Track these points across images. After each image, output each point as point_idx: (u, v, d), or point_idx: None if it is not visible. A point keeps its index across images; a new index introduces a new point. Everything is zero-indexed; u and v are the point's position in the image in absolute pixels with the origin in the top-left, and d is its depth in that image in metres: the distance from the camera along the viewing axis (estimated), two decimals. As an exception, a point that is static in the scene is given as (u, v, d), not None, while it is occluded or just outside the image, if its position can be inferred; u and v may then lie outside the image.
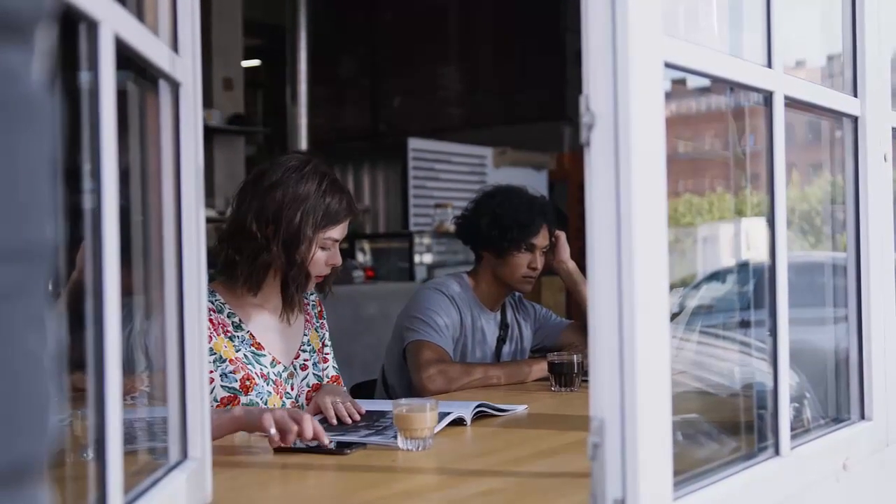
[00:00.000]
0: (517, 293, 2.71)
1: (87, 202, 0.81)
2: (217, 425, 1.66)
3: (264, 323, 2.01)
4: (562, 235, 2.67)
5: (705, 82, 1.33)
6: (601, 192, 0.96)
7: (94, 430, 0.82)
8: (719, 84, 1.36)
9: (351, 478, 1.47)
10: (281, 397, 1.98)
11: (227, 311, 1.97)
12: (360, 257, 6.42)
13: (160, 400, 1.15)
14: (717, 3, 1.56)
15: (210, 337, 1.90)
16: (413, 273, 6.22)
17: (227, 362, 1.91)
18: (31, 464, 0.46)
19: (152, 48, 1.00)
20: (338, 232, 1.98)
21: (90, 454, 0.88)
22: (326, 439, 1.59)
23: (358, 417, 1.81)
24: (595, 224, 0.96)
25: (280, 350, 2.02)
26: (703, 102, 1.62)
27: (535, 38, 7.96)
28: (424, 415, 1.58)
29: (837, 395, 1.60)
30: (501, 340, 2.67)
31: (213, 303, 1.95)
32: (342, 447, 1.60)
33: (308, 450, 1.60)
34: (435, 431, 1.63)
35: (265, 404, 1.93)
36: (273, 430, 1.55)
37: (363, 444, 1.62)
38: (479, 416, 1.89)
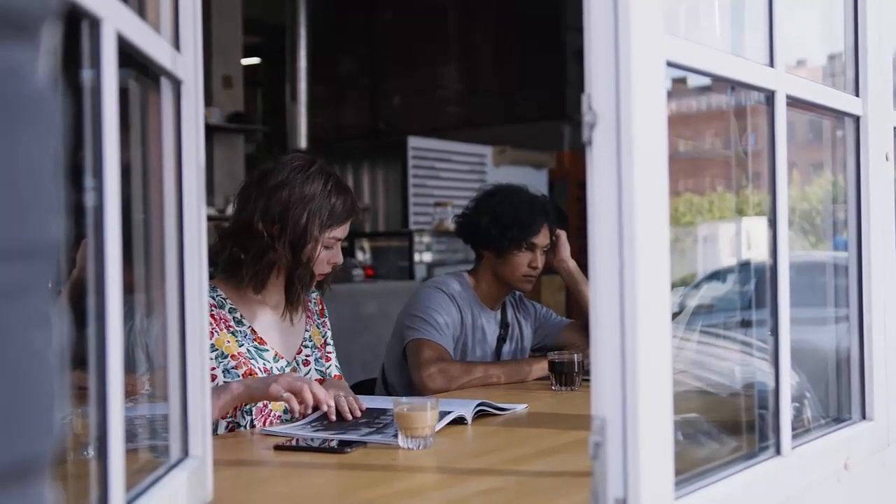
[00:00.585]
0: (517, 292, 2.71)
1: (89, 200, 0.81)
2: (220, 406, 1.69)
3: (266, 319, 2.02)
4: (562, 234, 2.67)
5: (706, 81, 1.33)
6: (603, 190, 0.96)
7: (95, 428, 0.82)
8: (720, 83, 1.36)
9: (351, 476, 1.47)
10: None
11: (228, 307, 1.97)
12: (360, 256, 6.42)
13: (161, 398, 1.15)
14: (718, 3, 1.56)
15: (212, 333, 1.90)
16: (413, 272, 6.22)
17: (230, 358, 1.92)
18: (36, 462, 0.45)
19: (154, 46, 1.00)
20: (341, 231, 2.00)
21: (90, 452, 0.88)
22: (329, 402, 1.73)
23: (359, 413, 1.82)
24: (597, 222, 0.96)
25: (282, 346, 2.03)
26: (704, 101, 1.62)
27: (535, 36, 7.96)
28: (425, 413, 1.58)
29: (838, 395, 1.60)
30: (502, 339, 2.67)
31: (214, 298, 1.95)
32: (343, 445, 1.60)
33: (309, 448, 1.60)
34: (435, 430, 1.63)
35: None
36: (286, 394, 1.68)
37: (364, 443, 1.62)
38: (480, 415, 1.89)
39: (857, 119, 1.55)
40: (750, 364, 1.56)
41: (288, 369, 2.02)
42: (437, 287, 2.56)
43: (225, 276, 2.01)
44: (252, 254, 1.93)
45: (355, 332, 4.76)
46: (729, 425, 1.45)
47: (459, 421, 1.81)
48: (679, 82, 1.23)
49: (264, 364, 1.97)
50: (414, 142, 6.96)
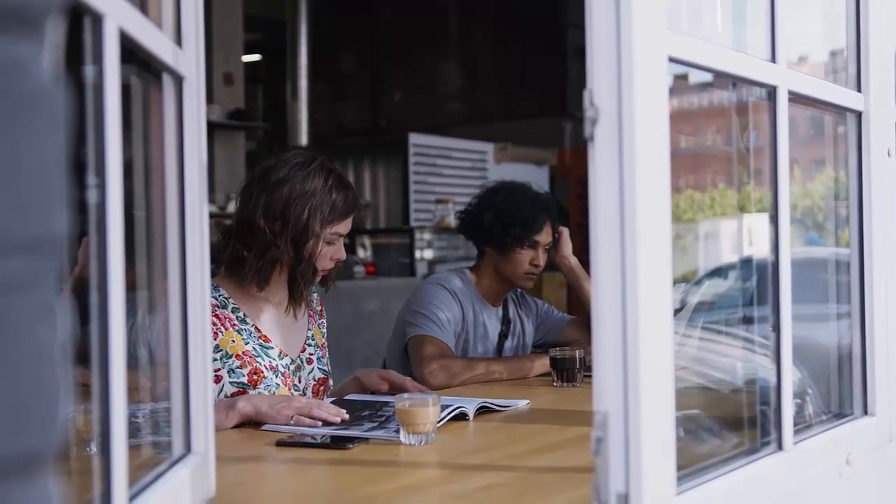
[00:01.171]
0: (519, 289, 2.72)
1: (92, 197, 0.81)
2: (221, 421, 1.70)
3: (269, 317, 2.02)
4: (564, 231, 2.67)
5: (707, 77, 1.33)
6: (605, 186, 0.96)
7: (98, 424, 0.82)
8: (722, 79, 1.36)
9: (353, 472, 1.47)
10: (289, 389, 1.99)
11: (231, 306, 1.97)
12: (361, 253, 6.42)
13: (163, 395, 1.15)
14: (720, -1, 1.56)
15: (216, 333, 1.91)
16: (414, 269, 6.22)
17: (234, 357, 1.92)
18: (42, 454, 0.46)
19: (156, 42, 1.00)
20: (343, 227, 2.00)
21: (93, 448, 0.88)
22: (341, 415, 1.74)
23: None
24: (598, 218, 0.96)
25: (286, 343, 2.03)
26: (706, 98, 1.62)
27: (535, 33, 7.96)
28: (427, 409, 1.59)
29: (840, 391, 1.60)
30: (504, 336, 2.67)
31: (216, 298, 1.95)
32: (345, 442, 1.60)
33: (311, 444, 1.61)
34: (437, 426, 1.63)
35: None
36: (295, 418, 1.74)
37: (365, 439, 1.63)
38: (482, 411, 1.89)
39: (858, 115, 1.55)
40: (752, 360, 1.56)
41: (292, 367, 2.02)
42: (439, 283, 2.56)
43: (227, 274, 2.01)
44: (255, 251, 1.94)
45: (356, 328, 4.76)
46: (731, 421, 1.45)
47: (461, 417, 1.81)
48: (681, 79, 1.23)
49: (270, 361, 1.97)
50: (415, 139, 6.96)
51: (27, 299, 0.45)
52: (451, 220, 6.16)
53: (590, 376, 2.09)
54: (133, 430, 0.91)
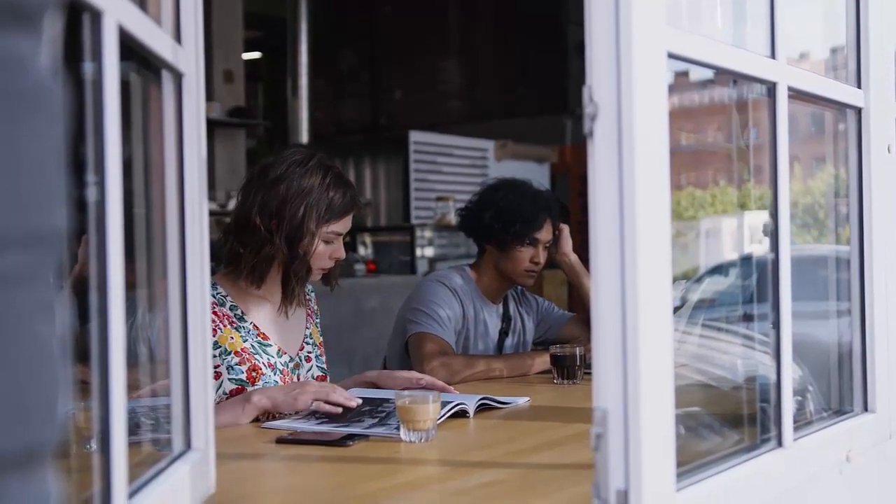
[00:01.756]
0: (519, 286, 2.72)
1: (91, 194, 0.81)
2: (237, 416, 1.72)
3: (267, 315, 2.02)
4: (565, 229, 2.67)
5: (708, 74, 1.33)
6: (604, 182, 0.96)
7: (98, 421, 0.82)
8: (722, 76, 1.36)
9: (354, 469, 1.47)
10: None
11: (229, 304, 1.97)
12: (362, 250, 6.43)
13: (163, 391, 1.16)
14: (720, -5, 1.56)
15: (215, 330, 1.91)
16: (414, 266, 6.22)
17: (233, 354, 1.92)
18: (40, 449, 0.46)
19: (155, 38, 1.00)
20: (341, 226, 1.99)
21: (93, 445, 0.88)
22: (356, 400, 1.80)
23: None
24: (598, 214, 0.96)
25: (285, 341, 2.04)
26: (707, 95, 1.62)
27: (535, 30, 7.95)
28: (427, 406, 1.59)
29: (840, 388, 1.60)
30: (504, 333, 2.67)
31: (214, 296, 1.95)
32: (345, 438, 1.60)
33: (311, 441, 1.61)
34: (437, 422, 1.63)
35: None
36: (315, 404, 1.77)
37: (366, 436, 1.63)
38: (482, 408, 1.89)
39: (858, 111, 1.55)
40: (752, 357, 1.56)
41: (291, 364, 2.02)
42: (439, 281, 2.56)
43: (226, 272, 2.02)
44: (250, 248, 1.94)
45: (357, 326, 4.76)
46: (731, 418, 1.45)
47: (461, 414, 1.81)
48: (681, 75, 1.23)
49: (268, 359, 1.97)
50: (415, 136, 6.96)
51: (25, 294, 0.45)
52: (452, 218, 6.17)
53: (590, 373, 2.09)
54: (133, 427, 0.91)
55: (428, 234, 6.38)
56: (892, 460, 1.60)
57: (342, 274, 2.16)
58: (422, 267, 6.20)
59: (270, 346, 1.99)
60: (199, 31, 1.15)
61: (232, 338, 1.94)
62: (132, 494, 0.89)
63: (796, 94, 1.34)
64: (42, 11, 0.47)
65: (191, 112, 1.13)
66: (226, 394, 1.90)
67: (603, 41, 0.96)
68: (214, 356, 1.90)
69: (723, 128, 1.72)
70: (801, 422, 1.39)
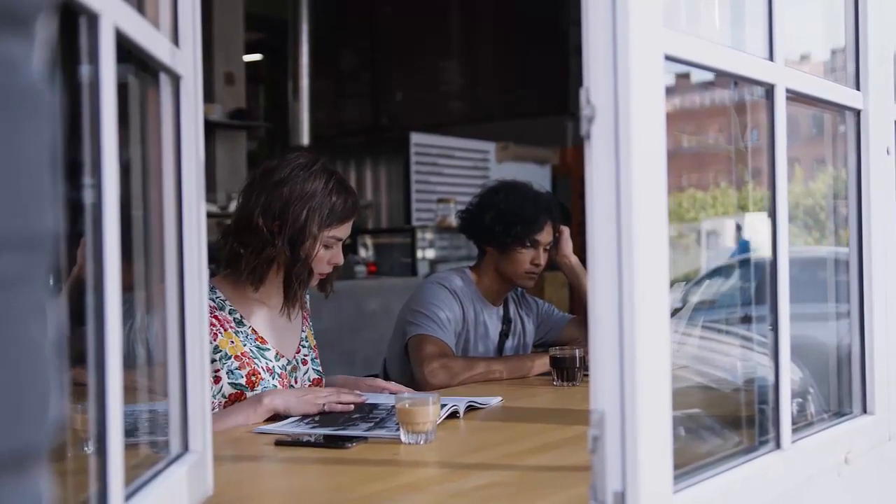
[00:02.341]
0: (520, 288, 2.72)
1: (88, 197, 0.81)
2: (249, 417, 1.75)
3: (265, 318, 2.03)
4: (565, 230, 2.67)
5: (709, 77, 1.33)
6: (601, 184, 0.96)
7: (94, 423, 0.82)
8: (722, 78, 1.35)
9: (353, 471, 1.47)
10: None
11: (228, 308, 1.98)
12: (363, 252, 6.43)
13: (161, 393, 1.16)
14: (718, -3, 1.56)
15: (216, 335, 1.92)
16: (415, 268, 6.22)
17: (233, 358, 1.93)
18: (32, 451, 0.46)
19: (153, 41, 1.00)
20: (342, 231, 2.00)
21: (90, 448, 0.88)
22: (363, 399, 1.86)
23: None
24: (595, 216, 0.96)
25: (281, 344, 2.04)
26: (707, 97, 1.62)
27: (537, 32, 7.95)
28: (427, 408, 1.59)
29: (839, 390, 1.60)
30: (505, 335, 2.67)
31: (213, 300, 1.96)
32: (344, 440, 1.60)
33: (310, 443, 1.61)
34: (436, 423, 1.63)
35: None
36: (328, 405, 1.82)
37: (365, 438, 1.63)
38: (471, 409, 1.91)
39: (857, 113, 1.55)
40: (751, 359, 1.56)
41: (288, 368, 2.03)
42: (439, 283, 2.56)
43: (224, 274, 2.02)
44: (251, 249, 1.94)
45: (358, 328, 4.76)
46: (729, 420, 1.45)
47: (453, 415, 1.83)
48: (682, 77, 1.23)
49: (266, 363, 1.98)
50: (416, 138, 6.96)
51: (19, 296, 0.45)
52: (453, 220, 6.17)
53: (589, 375, 2.09)
54: (130, 429, 0.91)
55: (429, 235, 6.38)
56: (891, 462, 1.60)
57: (343, 276, 2.17)
58: (422, 269, 6.20)
59: (268, 350, 2.00)
60: (197, 34, 1.15)
61: (232, 342, 1.94)
62: (129, 497, 0.89)
63: (795, 96, 1.33)
64: (35, 15, 0.47)
65: (188, 115, 1.13)
66: (225, 397, 1.90)
67: (600, 43, 0.96)
68: (214, 360, 1.90)
69: (724, 129, 1.72)
70: (800, 423, 1.38)
